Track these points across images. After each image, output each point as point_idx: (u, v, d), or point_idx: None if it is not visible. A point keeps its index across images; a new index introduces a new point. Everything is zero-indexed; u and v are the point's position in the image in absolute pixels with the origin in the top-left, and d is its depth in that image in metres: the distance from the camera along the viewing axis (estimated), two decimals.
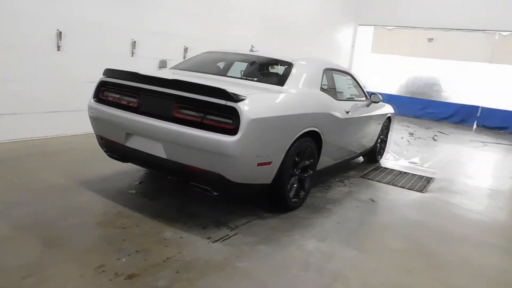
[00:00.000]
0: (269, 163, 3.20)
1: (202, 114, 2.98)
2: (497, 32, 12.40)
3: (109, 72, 3.56)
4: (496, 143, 9.81)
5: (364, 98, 5.29)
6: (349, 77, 5.06)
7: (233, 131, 2.85)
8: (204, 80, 3.31)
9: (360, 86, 5.31)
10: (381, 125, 5.93)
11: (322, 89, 4.07)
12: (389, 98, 9.56)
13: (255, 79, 3.91)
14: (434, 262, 3.06)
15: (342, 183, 4.88)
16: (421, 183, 5.33)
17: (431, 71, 13.68)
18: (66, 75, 5.52)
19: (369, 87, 12.04)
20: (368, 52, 14.78)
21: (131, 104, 3.36)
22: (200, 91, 2.96)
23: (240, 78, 3.93)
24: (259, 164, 3.09)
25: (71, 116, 5.64)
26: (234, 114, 2.85)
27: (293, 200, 3.67)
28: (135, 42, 6.32)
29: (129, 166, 4.28)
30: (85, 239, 2.76)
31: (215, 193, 3.10)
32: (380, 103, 5.51)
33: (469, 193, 5.15)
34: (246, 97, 2.89)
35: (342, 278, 2.65)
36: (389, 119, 6.29)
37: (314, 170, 3.94)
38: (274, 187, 3.39)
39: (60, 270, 2.36)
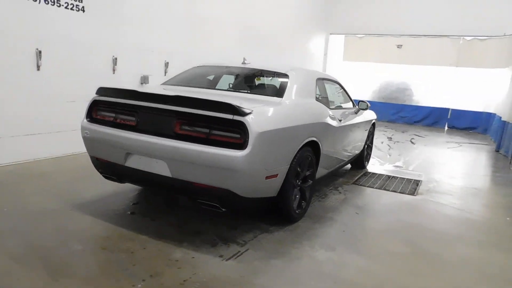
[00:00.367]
0: (276, 175, 3.18)
1: (207, 130, 2.93)
2: (462, 37, 13.00)
3: (102, 91, 3.45)
4: (469, 143, 10.21)
5: (351, 106, 5.39)
6: (337, 86, 5.14)
7: (241, 146, 2.81)
8: (202, 95, 3.27)
9: (348, 94, 5.40)
10: (367, 131, 6.05)
11: (316, 99, 4.11)
12: None
13: (253, 92, 3.90)
14: (437, 264, 3.11)
15: (337, 191, 4.91)
16: (411, 186, 5.45)
17: (402, 76, 14.14)
18: (47, 95, 5.31)
19: None
20: (340, 60, 15.11)
21: (128, 123, 3.27)
22: (205, 106, 2.91)
23: (237, 91, 3.91)
24: (267, 177, 3.07)
25: (53, 137, 5.42)
26: (241, 128, 2.82)
27: (296, 211, 3.66)
28: (116, 58, 6.18)
29: (120, 186, 4.15)
30: (92, 267, 2.63)
31: (223, 210, 3.04)
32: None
33: (456, 193, 5.31)
34: (252, 110, 2.87)
35: (359, 286, 2.65)
36: (373, 125, 6.42)
37: (313, 179, 3.95)
38: (279, 199, 3.37)
39: None
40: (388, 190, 5.18)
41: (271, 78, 4.12)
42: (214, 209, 3.06)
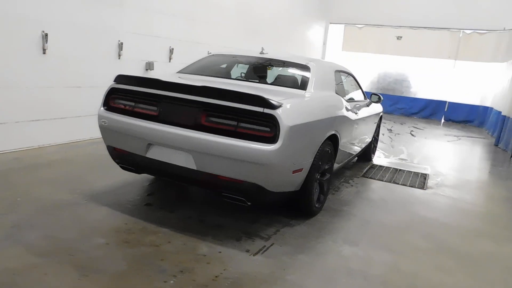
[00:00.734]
0: (301, 169, 3.13)
1: (235, 122, 2.85)
2: (461, 30, 13.01)
3: (121, 79, 3.33)
4: (467, 137, 10.30)
5: (363, 98, 5.35)
6: (351, 78, 5.08)
7: (271, 139, 2.75)
8: (226, 86, 3.18)
9: (360, 86, 5.36)
10: (376, 124, 6.03)
11: (335, 91, 4.05)
12: None
13: (274, 83, 3.81)
14: (462, 259, 3.13)
15: (348, 184, 4.90)
16: (419, 179, 5.47)
17: (400, 68, 14.13)
18: (52, 80, 5.15)
19: None
20: (339, 49, 15.03)
21: (150, 112, 3.16)
22: (234, 98, 2.83)
23: (257, 82, 3.82)
24: (293, 172, 3.03)
25: (58, 124, 5.28)
26: (271, 122, 2.75)
27: (316, 205, 3.63)
28: (121, 43, 6.00)
29: (131, 176, 4.07)
30: (119, 262, 2.56)
31: (248, 203, 2.98)
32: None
33: (464, 187, 5.34)
34: (282, 103, 2.80)
35: (390, 284, 2.64)
36: (380, 118, 6.41)
37: (331, 173, 3.91)
38: (301, 193, 3.33)
39: None
40: (397, 183, 5.18)
41: (291, 69, 4.03)
42: (238, 203, 3.00)
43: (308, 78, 3.70)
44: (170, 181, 4.13)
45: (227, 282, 2.43)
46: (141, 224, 3.12)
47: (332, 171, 3.94)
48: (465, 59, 13.07)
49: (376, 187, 4.95)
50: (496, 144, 8.98)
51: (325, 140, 3.46)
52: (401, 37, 13.86)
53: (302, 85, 3.62)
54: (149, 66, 6.61)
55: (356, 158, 6.19)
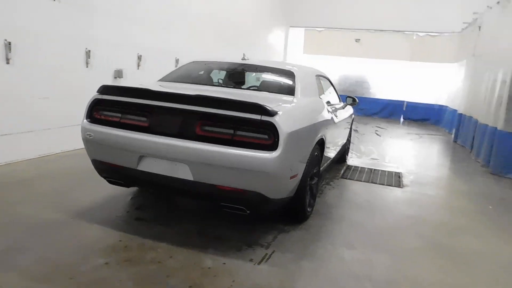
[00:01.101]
0: (296, 175, 3.15)
1: (231, 131, 2.82)
2: (415, 33, 13.69)
3: (106, 89, 3.18)
4: (428, 134, 10.85)
5: (339, 101, 5.47)
6: (327, 81, 5.18)
7: (270, 147, 2.74)
8: (214, 94, 3.14)
9: (335, 89, 5.48)
10: (350, 125, 6.19)
11: (318, 96, 4.12)
12: None
13: (262, 89, 3.81)
14: (455, 257, 3.25)
15: (330, 186, 4.99)
16: (394, 178, 5.68)
17: (360, 70, 14.63)
18: (18, 91, 4.84)
19: None
20: (300, 53, 15.31)
21: (140, 123, 3.05)
22: (230, 106, 2.80)
23: (245, 89, 3.80)
24: (290, 178, 3.03)
25: (25, 138, 4.96)
26: (270, 129, 2.74)
27: (308, 209, 3.66)
28: (89, 51, 5.76)
29: (114, 190, 3.91)
30: (125, 282, 2.44)
31: (247, 212, 2.95)
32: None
33: (437, 184, 5.61)
34: (279, 110, 2.81)
35: (395, 284, 2.71)
36: (352, 120, 6.59)
37: (318, 177, 3.97)
38: (296, 198, 3.35)
39: None
40: (376, 183, 5.35)
41: (276, 75, 4.05)
42: (237, 212, 2.97)
43: (295, 83, 3.73)
44: (161, 193, 4.02)
45: None
46: (137, 240, 3.00)
47: (319, 175, 4.00)
48: (419, 60, 13.77)
49: (357, 188, 5.07)
50: (455, 141, 9.51)
51: (315, 144, 3.51)
52: (359, 39, 14.36)
53: (290, 91, 3.65)
54: (118, 74, 6.39)
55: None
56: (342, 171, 5.81)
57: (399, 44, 13.85)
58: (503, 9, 7.53)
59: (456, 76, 11.50)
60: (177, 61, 8.02)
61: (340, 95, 5.86)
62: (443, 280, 2.85)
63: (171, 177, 2.95)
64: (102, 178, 3.40)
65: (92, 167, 3.39)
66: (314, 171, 3.79)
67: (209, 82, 3.98)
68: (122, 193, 3.97)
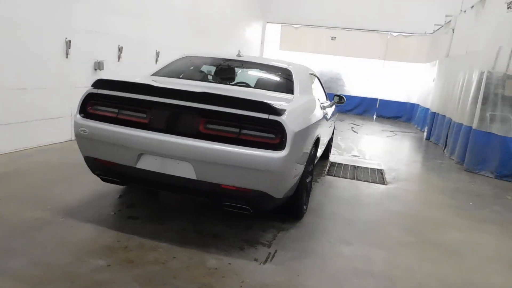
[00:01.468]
0: (298, 174, 3.15)
1: (237, 129, 2.78)
2: (389, 32, 14.02)
3: (102, 84, 3.05)
4: (401, 132, 11.17)
5: (326, 99, 5.52)
6: (317, 79, 5.22)
7: (277, 146, 2.72)
8: (213, 91, 3.06)
9: (323, 87, 5.52)
10: (334, 123, 6.28)
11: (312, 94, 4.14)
12: None
13: (259, 87, 3.77)
14: (444, 250, 3.39)
15: (317, 183, 5.04)
16: (377, 175, 5.81)
17: (335, 67, 14.83)
18: None
19: None
20: (277, 49, 15.32)
21: (139, 120, 2.95)
22: (237, 104, 2.75)
23: (245, 86, 3.75)
24: (294, 176, 3.03)
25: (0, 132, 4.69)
26: (277, 128, 2.72)
27: (304, 206, 3.68)
28: (69, 41, 5.51)
29: (101, 186, 3.77)
30: (131, 284, 2.36)
31: (251, 212, 2.93)
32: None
33: (417, 181, 5.81)
34: (286, 109, 2.79)
35: (396, 279, 2.78)
36: (335, 117, 6.67)
37: (312, 175, 4.00)
38: (294, 196, 3.35)
39: None
40: (360, 180, 5.45)
41: (273, 72, 4.02)
42: (240, 211, 2.94)
43: (292, 81, 3.72)
44: (153, 190, 3.92)
45: None
46: (136, 240, 2.91)
47: (312, 172, 4.03)
48: (393, 59, 14.13)
49: (344, 185, 5.15)
50: (428, 138, 9.84)
51: (313, 143, 3.53)
52: (335, 37, 14.55)
53: (289, 89, 3.64)
54: (99, 65, 6.15)
55: None
56: (327, 168, 5.88)
57: (373, 43, 14.15)
58: (476, 13, 7.85)
59: (427, 76, 11.90)
60: (157, 53, 7.84)
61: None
62: (436, 273, 2.95)
63: (172, 175, 2.87)
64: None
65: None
66: (310, 169, 3.81)
67: (204, 78, 3.90)
68: (110, 190, 3.83)
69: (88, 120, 3.05)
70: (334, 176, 5.53)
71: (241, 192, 2.81)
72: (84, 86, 5.95)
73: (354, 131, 10.30)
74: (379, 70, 14.29)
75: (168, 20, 8.09)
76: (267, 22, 15.22)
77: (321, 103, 4.69)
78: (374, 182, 5.39)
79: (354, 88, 14.70)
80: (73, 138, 5.75)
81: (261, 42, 15.29)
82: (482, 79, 6.66)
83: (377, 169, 6.16)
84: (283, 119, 2.71)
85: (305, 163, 3.31)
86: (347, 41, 14.35)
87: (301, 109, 3.29)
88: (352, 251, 3.15)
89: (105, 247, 2.76)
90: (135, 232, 3.03)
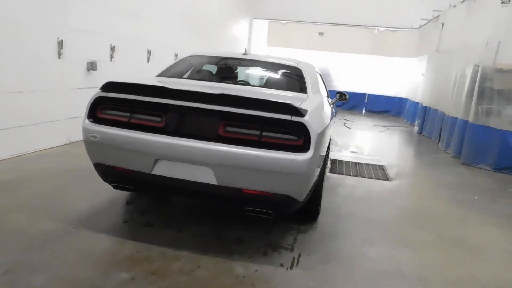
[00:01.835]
0: (317, 175, 3.09)
1: (258, 132, 2.68)
2: (376, 27, 14.09)
3: (112, 87, 2.90)
4: (393, 126, 11.25)
5: (328, 96, 5.47)
6: (320, 77, 5.14)
7: (302, 148, 2.64)
8: (226, 91, 2.95)
9: (325, 85, 5.46)
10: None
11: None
12: None
13: (272, 86, 3.67)
14: (468, 249, 3.36)
15: (324, 182, 4.97)
16: (380, 172, 5.80)
17: (324, 62, 14.79)
18: None
19: None
20: (264, 45, 15.22)
21: (154, 124, 2.82)
22: (259, 106, 2.65)
23: (260, 86, 3.65)
24: (315, 178, 2.96)
25: None
26: (300, 130, 2.63)
27: (319, 207, 3.62)
28: (62, 41, 5.29)
29: (109, 194, 3.64)
30: None
31: (273, 216, 2.84)
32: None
33: (420, 176, 5.83)
34: (308, 110, 2.71)
35: (426, 280, 2.74)
36: None
37: (323, 175, 3.94)
38: (312, 197, 3.28)
39: None
40: (364, 177, 5.43)
41: (284, 71, 3.93)
42: (263, 216, 2.85)
43: (304, 80, 3.65)
44: (163, 195, 3.80)
45: None
46: (156, 249, 2.78)
47: (325, 172, 3.97)
48: (380, 54, 14.21)
49: (350, 182, 5.11)
50: (420, 132, 9.93)
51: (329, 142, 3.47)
52: (323, 33, 14.54)
53: (302, 88, 3.56)
54: (92, 66, 5.92)
55: None
56: (329, 166, 5.84)
57: (361, 38, 14.20)
58: (468, 7, 7.92)
59: (416, 70, 12.01)
60: (149, 52, 7.63)
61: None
62: (468, 273, 2.93)
63: (191, 181, 2.76)
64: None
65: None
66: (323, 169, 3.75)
67: (213, 78, 3.78)
68: (119, 197, 3.68)
69: (98, 125, 2.90)
70: (338, 173, 5.49)
71: (264, 196, 2.72)
72: (77, 88, 5.82)
73: (347, 127, 10.32)
74: (367, 65, 14.35)
75: (159, 18, 7.88)
76: (254, 18, 15.07)
77: (328, 101, 4.64)
78: (378, 179, 5.38)
79: (343, 83, 14.71)
80: (70, 142, 5.58)
81: (248, 39, 15.15)
82: (477, 73, 6.72)
83: (378, 165, 6.15)
84: (306, 120, 2.63)
85: (322, 163, 3.24)
86: (334, 36, 14.36)
87: (319, 109, 3.22)
88: (377, 252, 3.11)
89: (126, 259, 2.63)
90: (154, 241, 2.91)
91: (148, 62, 7.60)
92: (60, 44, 5.29)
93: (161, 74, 3.83)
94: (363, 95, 14.40)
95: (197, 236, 3.06)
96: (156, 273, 2.49)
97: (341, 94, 5.56)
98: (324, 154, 3.30)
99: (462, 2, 8.28)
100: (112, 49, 6.44)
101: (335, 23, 14.20)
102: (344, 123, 10.99)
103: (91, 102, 2.95)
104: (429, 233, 3.60)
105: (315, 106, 3.17)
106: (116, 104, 2.90)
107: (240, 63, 3.96)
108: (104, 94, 2.92)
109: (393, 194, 4.79)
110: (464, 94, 7.18)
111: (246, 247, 2.94)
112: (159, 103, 2.79)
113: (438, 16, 10.14)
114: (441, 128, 8.32)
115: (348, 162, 6.24)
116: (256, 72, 3.98)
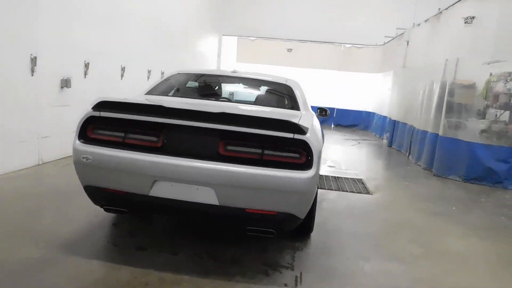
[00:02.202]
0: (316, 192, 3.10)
1: (259, 150, 2.67)
2: (342, 44, 14.56)
3: (105, 105, 2.79)
4: (364, 140, 11.57)
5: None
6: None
7: (304, 166, 2.64)
8: (220, 109, 2.92)
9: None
10: None
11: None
12: None
13: (263, 104, 3.68)
14: (456, 260, 3.46)
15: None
16: (360, 185, 5.92)
17: (292, 78, 15.04)
18: None
19: None
20: (234, 61, 15.30)
21: (150, 144, 2.74)
22: (260, 124, 2.64)
23: (253, 104, 3.63)
24: (315, 195, 2.97)
25: None
26: (302, 147, 2.65)
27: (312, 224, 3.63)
28: (35, 58, 5.06)
29: (91, 217, 3.49)
30: None
31: (275, 235, 2.81)
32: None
33: (397, 189, 5.99)
34: (308, 128, 2.73)
35: None
36: None
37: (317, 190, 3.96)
38: (308, 214, 3.28)
39: None
40: (346, 191, 5.52)
41: (274, 89, 3.95)
42: (265, 235, 2.81)
43: (295, 97, 3.69)
44: (148, 216, 3.67)
45: None
46: (154, 274, 2.67)
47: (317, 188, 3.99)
48: (347, 70, 14.66)
49: (333, 197, 5.17)
50: (390, 146, 10.27)
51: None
52: (291, 49, 14.83)
53: (294, 105, 3.59)
54: (66, 83, 5.71)
55: None
56: None
57: (328, 54, 14.61)
58: (432, 26, 8.36)
59: (382, 85, 12.47)
60: (122, 68, 7.46)
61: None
62: (459, 285, 3.02)
63: (192, 202, 2.69)
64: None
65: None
66: None
67: (203, 96, 3.73)
68: (104, 219, 3.53)
69: (90, 146, 2.78)
70: (320, 188, 5.53)
71: (267, 215, 2.69)
72: (51, 106, 5.57)
73: None
74: (335, 80, 14.75)
75: (130, 34, 7.74)
76: (223, 35, 15.17)
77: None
78: (359, 193, 5.47)
79: (312, 98, 14.98)
80: (42, 162, 5.30)
81: (218, 55, 15.20)
82: (445, 88, 7.07)
83: (357, 179, 6.28)
84: (308, 137, 2.64)
85: (318, 179, 3.26)
86: (303, 52, 14.68)
87: (316, 126, 3.25)
88: (374, 268, 3.14)
89: (125, 286, 2.51)
90: (150, 265, 2.79)
91: (121, 78, 7.42)
92: (33, 60, 5.06)
93: (149, 92, 3.75)
94: (332, 109, 14.71)
95: (194, 258, 2.97)
96: None
97: (322, 110, 5.66)
98: (319, 169, 3.32)
99: (426, 21, 8.74)
100: (86, 65, 6.25)
101: (303, 39, 14.55)
102: None
103: (82, 122, 2.82)
104: (418, 247, 3.67)
105: (312, 123, 3.21)
106: (110, 124, 2.80)
107: (230, 80, 3.95)
108: (97, 113, 2.80)
109: (376, 207, 4.89)
110: (433, 108, 7.52)
111: (245, 268, 2.89)
112: (157, 122, 2.71)
113: (402, 34, 10.63)
114: (411, 141, 8.64)
115: (328, 176, 6.32)
116: (248, 90, 3.98)
